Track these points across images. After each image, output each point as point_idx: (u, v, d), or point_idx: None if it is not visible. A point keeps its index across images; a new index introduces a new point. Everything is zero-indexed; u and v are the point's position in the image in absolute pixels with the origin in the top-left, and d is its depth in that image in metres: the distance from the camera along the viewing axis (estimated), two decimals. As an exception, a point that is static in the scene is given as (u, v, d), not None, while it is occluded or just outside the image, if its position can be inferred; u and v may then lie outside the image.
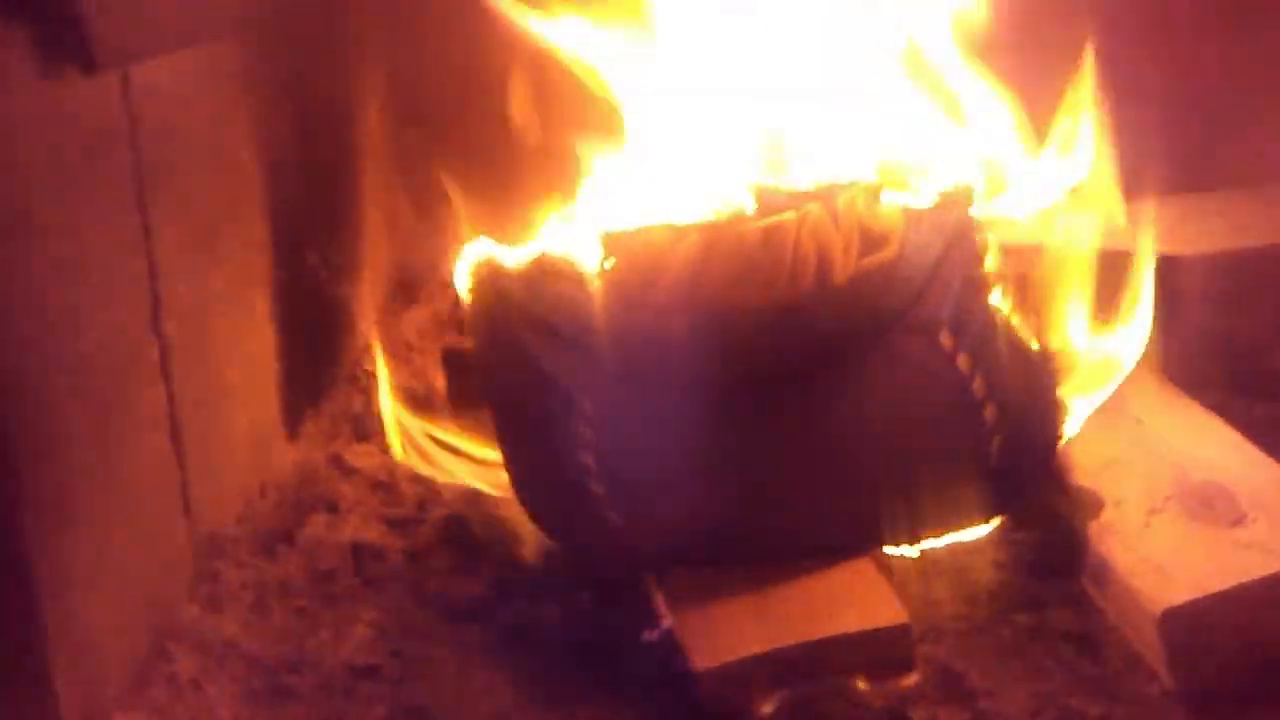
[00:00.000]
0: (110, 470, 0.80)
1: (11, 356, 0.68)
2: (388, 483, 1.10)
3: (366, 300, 1.24)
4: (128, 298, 0.83)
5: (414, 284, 1.35)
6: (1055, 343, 1.02)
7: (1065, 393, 0.99)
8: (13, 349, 0.69)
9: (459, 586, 0.96)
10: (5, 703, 0.70)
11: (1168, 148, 1.32)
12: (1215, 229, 1.18)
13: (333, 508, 1.06)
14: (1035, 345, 0.98)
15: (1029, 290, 1.02)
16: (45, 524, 0.72)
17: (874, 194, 0.93)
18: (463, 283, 0.98)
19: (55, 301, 0.73)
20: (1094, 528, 0.92)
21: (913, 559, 0.93)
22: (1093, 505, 0.94)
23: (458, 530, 1.03)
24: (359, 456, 1.14)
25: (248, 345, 1.04)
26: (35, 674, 0.70)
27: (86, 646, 0.77)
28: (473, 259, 0.97)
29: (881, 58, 1.03)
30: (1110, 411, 1.01)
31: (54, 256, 0.73)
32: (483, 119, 1.28)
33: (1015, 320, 0.98)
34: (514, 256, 0.95)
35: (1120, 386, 1.03)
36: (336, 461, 1.13)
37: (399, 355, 1.24)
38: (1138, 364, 1.05)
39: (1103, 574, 0.90)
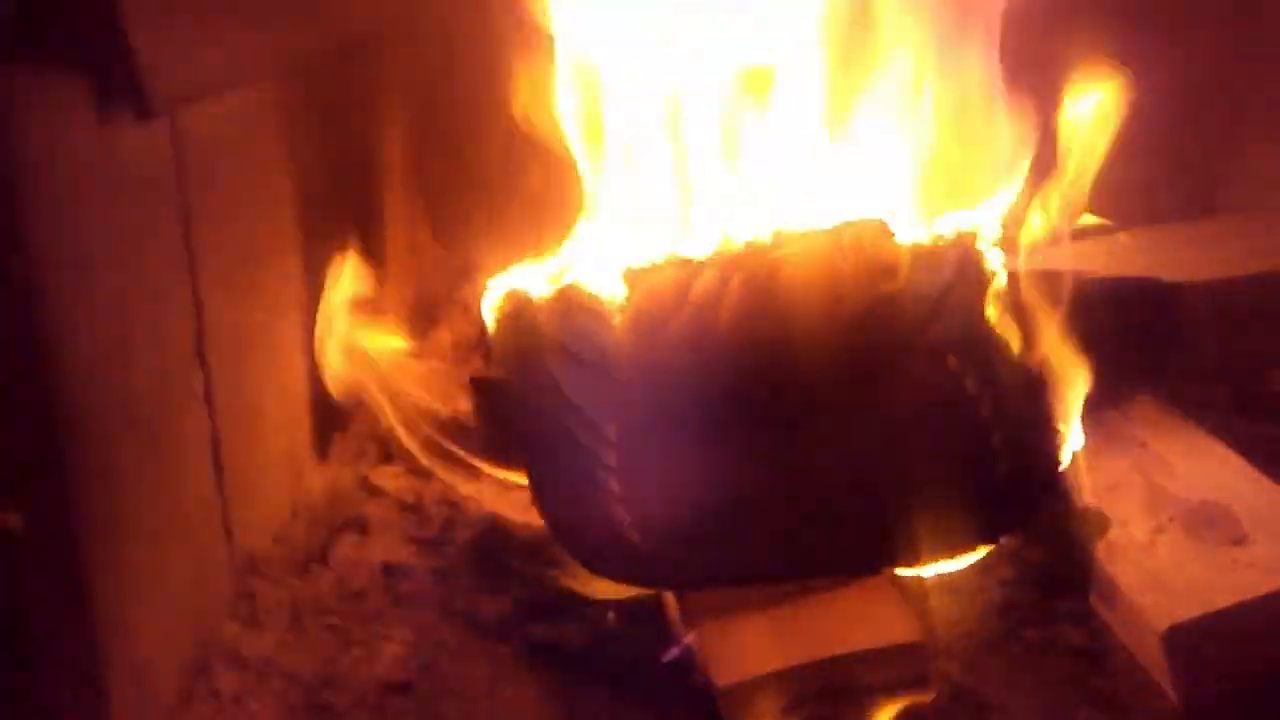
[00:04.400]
0: (159, 494, 0.84)
1: (72, 387, 0.72)
2: (414, 504, 1.13)
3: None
4: (174, 330, 0.87)
5: (434, 309, 1.39)
6: (1052, 368, 1.04)
7: (1062, 417, 1.02)
8: (73, 380, 0.72)
9: (486, 605, 0.98)
10: (65, 717, 0.73)
11: (1171, 174, 1.36)
12: (1217, 255, 1.21)
13: (362, 528, 1.09)
14: (1034, 371, 1.01)
15: (1028, 317, 1.04)
16: (101, 546, 0.75)
17: (880, 229, 0.97)
18: (489, 312, 1.02)
19: (110, 334, 0.77)
20: (1101, 546, 0.95)
21: (925, 577, 0.96)
22: (1099, 525, 0.97)
23: (484, 550, 1.06)
24: (385, 478, 1.17)
25: (281, 372, 1.08)
26: (93, 689, 0.74)
27: (139, 663, 0.80)
28: (499, 290, 1.01)
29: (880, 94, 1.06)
30: (1116, 434, 1.04)
31: (109, 291, 0.77)
32: (502, 151, 1.32)
33: (1016, 347, 1.01)
34: (539, 288, 0.99)
35: (1125, 410, 1.06)
36: (364, 483, 1.16)
37: (422, 380, 1.27)
38: (1142, 388, 1.08)
39: (1109, 591, 0.93)
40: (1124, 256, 1.13)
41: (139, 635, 0.80)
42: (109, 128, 0.74)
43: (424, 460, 1.09)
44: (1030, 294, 1.04)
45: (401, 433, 1.08)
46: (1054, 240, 1.12)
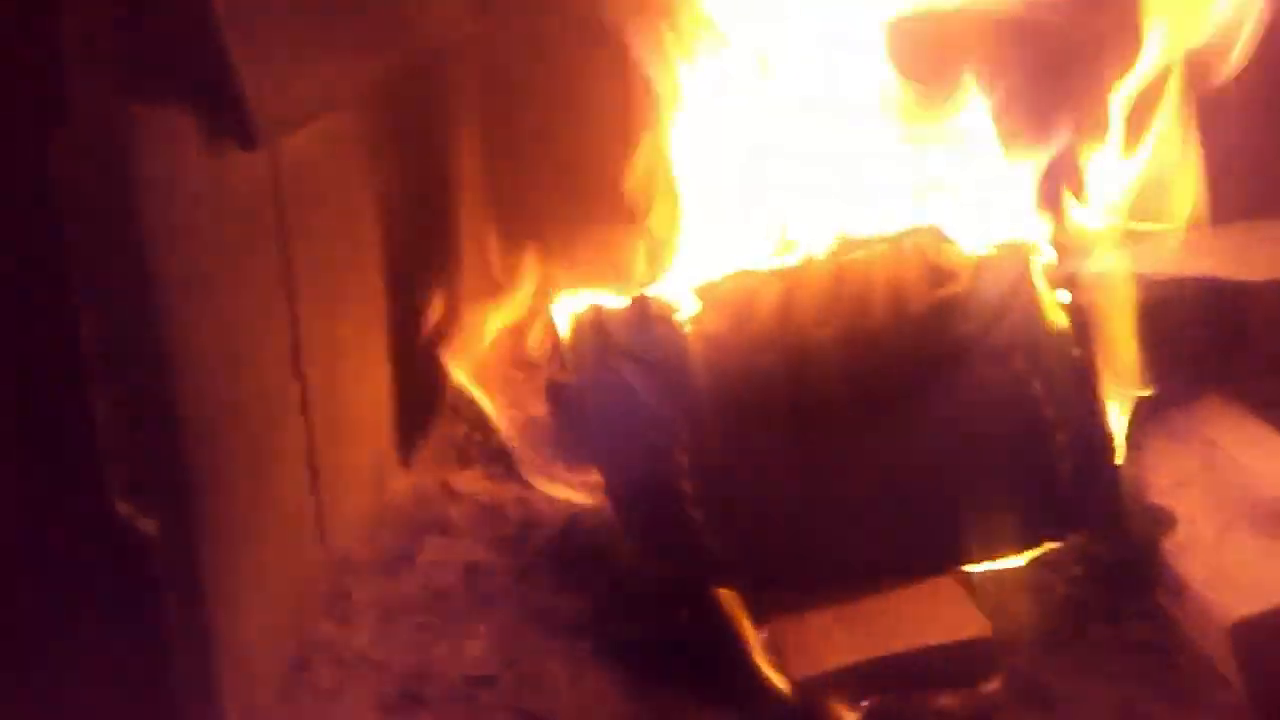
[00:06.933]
0: (262, 499, 0.89)
1: (189, 399, 0.78)
2: (492, 506, 1.18)
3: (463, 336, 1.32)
4: (275, 344, 0.92)
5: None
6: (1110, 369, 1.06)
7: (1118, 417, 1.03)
8: (190, 393, 0.78)
9: (565, 603, 1.02)
10: (178, 708, 0.78)
11: (1235, 176, 1.36)
12: (1281, 255, 1.21)
13: (445, 530, 1.13)
14: (1093, 373, 1.02)
15: (1090, 319, 1.06)
16: (214, 546, 0.81)
17: (937, 236, 0.99)
18: (566, 323, 1.06)
19: (220, 349, 0.82)
20: (1168, 543, 0.96)
21: (993, 574, 0.98)
22: (1167, 522, 0.98)
23: (561, 550, 1.09)
24: (464, 482, 1.22)
25: (368, 382, 1.13)
26: (205, 681, 0.79)
27: (245, 657, 0.85)
28: (576, 302, 1.05)
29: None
30: (1183, 432, 1.06)
31: (219, 309, 0.82)
32: (568, 167, 1.36)
33: (1076, 350, 1.03)
34: (614, 300, 1.03)
35: (1192, 409, 1.07)
36: (445, 487, 1.21)
37: (496, 386, 1.32)
38: (1209, 387, 1.10)
39: (1177, 588, 0.94)
40: (1189, 257, 1.14)
41: (245, 631, 0.86)
42: (217, 157, 0.79)
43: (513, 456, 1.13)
44: (1092, 296, 1.06)
45: (503, 430, 1.13)
46: (1117, 242, 1.14)
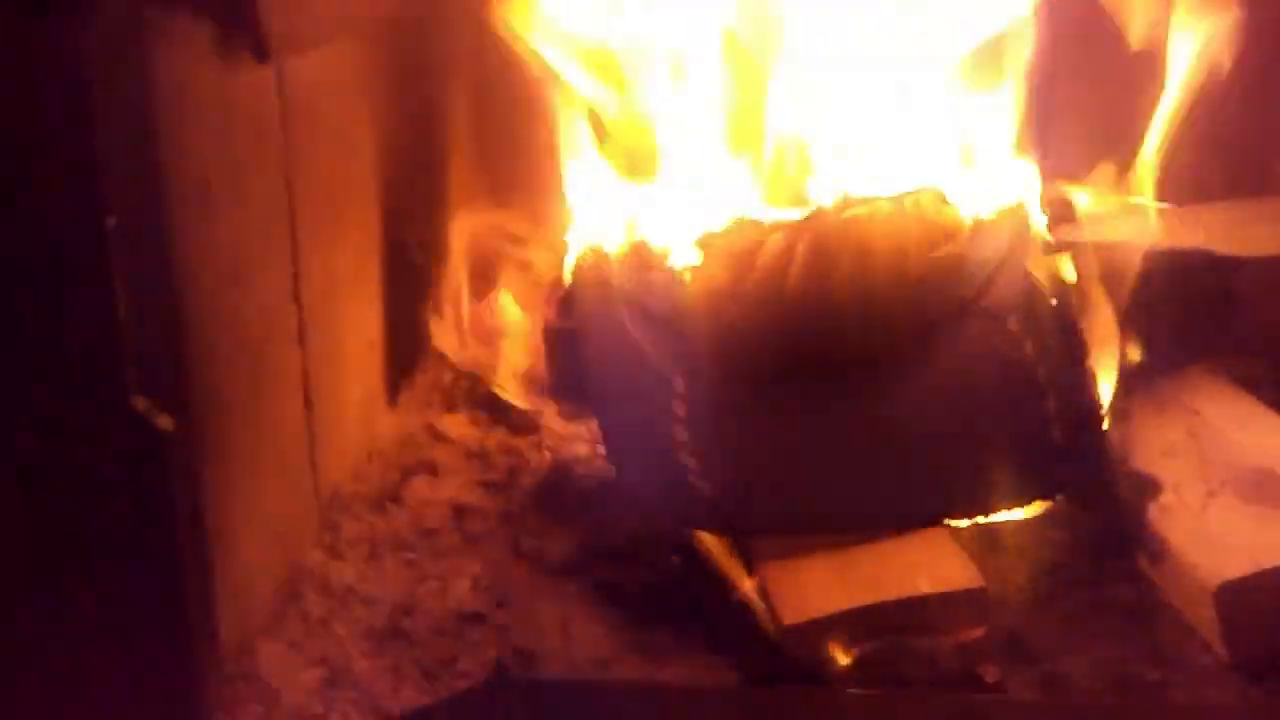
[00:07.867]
0: (260, 425, 0.88)
1: (196, 312, 0.77)
2: (479, 450, 1.17)
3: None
4: (276, 268, 0.91)
5: (488, 268, 1.42)
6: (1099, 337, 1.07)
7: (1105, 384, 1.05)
8: (195, 305, 0.77)
9: (553, 545, 1.02)
10: (175, 629, 0.77)
11: (1222, 156, 1.37)
12: (1269, 233, 1.22)
13: (432, 471, 1.13)
14: (1081, 339, 1.03)
15: (1079, 287, 1.07)
16: (213, 468, 0.80)
17: (938, 197, 1.00)
18: (568, 264, 1.05)
19: (224, 266, 0.81)
20: (1153, 509, 0.97)
21: (981, 535, 0.99)
22: (1151, 488, 1.00)
23: (549, 495, 1.09)
24: (450, 426, 1.21)
25: (361, 319, 1.12)
26: (201, 604, 0.78)
27: (240, 582, 0.85)
28: (578, 245, 1.04)
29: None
30: (1169, 402, 1.07)
31: (225, 226, 0.81)
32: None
33: (1068, 316, 1.04)
34: (615, 244, 1.03)
35: (1178, 379, 1.09)
36: (431, 430, 1.20)
37: (480, 336, 1.31)
38: (1195, 359, 1.11)
39: (1160, 552, 0.95)
40: (1181, 230, 1.15)
41: (239, 552, 0.85)
42: (229, 68, 0.78)
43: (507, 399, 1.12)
44: (1083, 264, 1.07)
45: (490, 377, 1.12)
46: (1109, 214, 1.14)
